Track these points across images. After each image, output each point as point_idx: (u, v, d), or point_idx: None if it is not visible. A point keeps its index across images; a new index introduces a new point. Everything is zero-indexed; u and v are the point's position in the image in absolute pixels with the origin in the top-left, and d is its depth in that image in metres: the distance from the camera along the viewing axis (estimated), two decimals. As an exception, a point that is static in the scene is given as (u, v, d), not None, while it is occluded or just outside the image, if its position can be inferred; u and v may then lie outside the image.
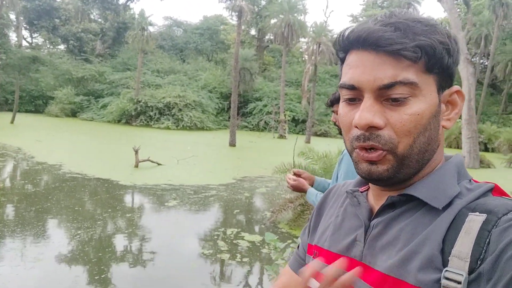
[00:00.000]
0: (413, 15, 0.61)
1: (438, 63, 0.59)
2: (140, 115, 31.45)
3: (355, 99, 0.63)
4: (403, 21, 0.59)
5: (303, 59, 46.57)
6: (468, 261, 0.52)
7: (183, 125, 30.76)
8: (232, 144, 20.83)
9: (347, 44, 0.63)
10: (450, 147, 26.71)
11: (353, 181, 0.79)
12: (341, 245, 0.70)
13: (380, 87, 0.59)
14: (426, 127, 0.60)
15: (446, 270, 0.54)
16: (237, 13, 23.86)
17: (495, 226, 0.53)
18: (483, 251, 0.52)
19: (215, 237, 6.03)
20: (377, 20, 0.61)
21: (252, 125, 35.16)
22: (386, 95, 0.59)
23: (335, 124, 2.16)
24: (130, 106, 30.92)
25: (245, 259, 5.19)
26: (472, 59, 18.88)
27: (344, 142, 0.68)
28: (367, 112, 0.59)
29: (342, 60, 0.66)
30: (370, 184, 0.71)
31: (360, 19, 50.79)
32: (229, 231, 6.29)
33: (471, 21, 34.04)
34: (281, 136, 29.90)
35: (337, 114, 2.12)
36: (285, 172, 6.99)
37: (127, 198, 8.39)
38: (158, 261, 4.98)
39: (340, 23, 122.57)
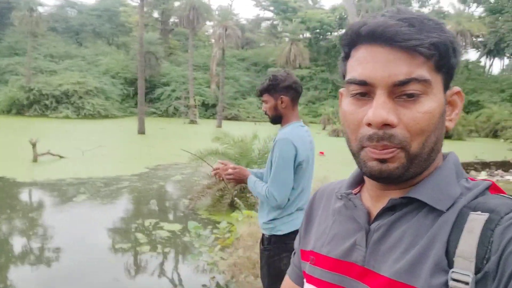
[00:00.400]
0: (420, 13, 0.60)
1: (447, 63, 0.59)
2: (33, 104, 28.57)
3: (365, 95, 0.60)
4: (416, 17, 0.57)
5: (210, 42, 46.22)
6: (474, 261, 0.52)
7: (85, 114, 28.71)
8: (141, 131, 20.04)
9: (357, 38, 0.61)
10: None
11: (343, 182, 0.76)
12: (340, 250, 0.68)
13: (395, 84, 0.57)
14: (436, 126, 0.59)
15: (453, 271, 0.53)
16: (138, -6, 22.65)
17: (498, 225, 0.52)
18: (488, 250, 0.52)
19: (133, 229, 5.81)
20: (389, 15, 0.59)
21: (161, 111, 34.17)
22: (398, 92, 0.57)
23: (265, 113, 2.19)
24: (21, 94, 27.91)
25: (166, 249, 5.10)
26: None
27: (348, 141, 0.65)
28: (381, 109, 0.57)
29: (347, 56, 0.64)
30: (368, 185, 0.69)
31: (264, 3, 51.70)
32: (147, 222, 6.10)
33: (365, 7, 36.72)
34: (192, 121, 29.56)
35: (266, 103, 2.15)
36: (203, 158, 6.94)
37: (28, 196, 7.63)
38: (69, 260, 4.64)
39: (244, 8, 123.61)
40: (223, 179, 2.20)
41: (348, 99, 0.63)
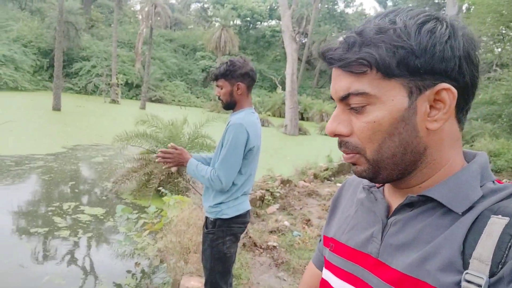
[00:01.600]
0: (367, 25, 0.60)
1: (398, 68, 0.58)
2: None
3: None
4: (356, 34, 0.60)
5: (136, 19, 44.00)
6: (489, 265, 0.52)
7: (-11, 84, 25.75)
8: (57, 108, 18.54)
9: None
10: (275, 115, 29.66)
11: None
12: (358, 240, 0.70)
13: (340, 99, 0.63)
14: (390, 132, 0.60)
15: (467, 273, 0.53)
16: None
17: None
18: (505, 255, 0.51)
19: (50, 213, 5.43)
20: (343, 35, 0.63)
21: (79, 87, 31.87)
22: (347, 105, 0.63)
23: (219, 98, 2.18)
24: None
25: (88, 234, 4.86)
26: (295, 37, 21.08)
27: None
28: (332, 121, 0.65)
29: None
30: None
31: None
32: (65, 206, 5.74)
33: (296, 1, 37.65)
34: (114, 101, 28.06)
35: (221, 88, 2.15)
36: (128, 140, 6.69)
37: None
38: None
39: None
40: (165, 163, 2.15)
41: None
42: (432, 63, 0.57)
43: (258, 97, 33.31)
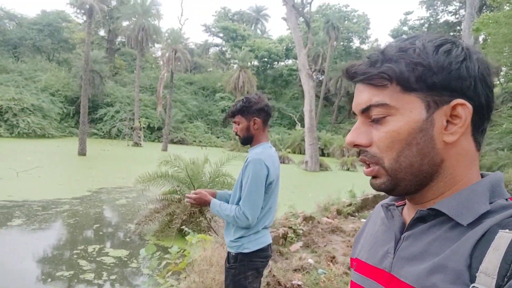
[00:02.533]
0: (392, 43, 0.67)
1: (416, 83, 0.62)
2: (-39, 120, 26.31)
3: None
4: (380, 50, 0.66)
5: (157, 64, 45.75)
6: (495, 278, 0.53)
7: (19, 132, 26.86)
8: (82, 153, 19.12)
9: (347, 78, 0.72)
10: (295, 152, 29.66)
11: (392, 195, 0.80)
12: (376, 257, 0.73)
13: (361, 111, 0.67)
14: (409, 141, 0.64)
15: (473, 286, 0.54)
16: (85, 12, 22.11)
17: None
18: (510, 268, 0.52)
19: (75, 256, 5.49)
20: (370, 53, 0.68)
21: (103, 132, 32.90)
22: (369, 117, 0.67)
23: (236, 134, 2.24)
24: None
25: (112, 277, 4.87)
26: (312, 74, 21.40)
27: None
28: (352, 132, 0.69)
29: None
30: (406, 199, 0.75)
31: (213, 29, 52.48)
32: (90, 248, 5.80)
33: (311, 40, 38.59)
34: (136, 144, 28.75)
35: (238, 124, 2.21)
36: (150, 181, 6.80)
37: (-47, 221, 6.96)
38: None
39: (194, 32, 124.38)
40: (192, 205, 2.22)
41: None
42: (448, 80, 0.62)
43: (277, 134, 33.52)
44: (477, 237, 0.58)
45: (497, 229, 0.57)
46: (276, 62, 48.39)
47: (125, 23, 37.55)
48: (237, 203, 2.14)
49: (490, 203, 0.62)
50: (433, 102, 0.63)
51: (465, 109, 0.62)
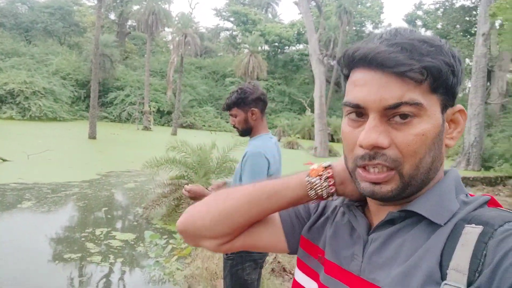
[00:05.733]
0: (418, 34, 0.61)
1: (443, 84, 0.60)
2: (-27, 103, 26.69)
3: (359, 117, 0.63)
4: (409, 41, 0.58)
5: (167, 48, 45.62)
6: (467, 274, 0.52)
7: (30, 115, 27.15)
8: (93, 136, 19.27)
9: (352, 62, 0.62)
10: (304, 138, 29.53)
11: None
12: (341, 257, 0.69)
13: (386, 107, 0.58)
14: (431, 147, 0.60)
15: (445, 284, 0.54)
16: (96, -5, 22.01)
17: (491, 238, 0.53)
18: (480, 264, 0.52)
19: (83, 239, 5.55)
20: (382, 39, 0.61)
21: (113, 116, 33.08)
22: (391, 114, 0.59)
23: (234, 127, 2.19)
24: (-41, 92, 25.98)
25: (119, 259, 4.91)
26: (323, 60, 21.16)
27: (345, 159, 0.67)
28: (372, 132, 0.59)
29: (346, 77, 0.66)
30: (368, 199, 0.70)
31: (224, 13, 51.97)
32: (98, 231, 5.85)
33: (323, 24, 38.01)
34: (146, 128, 28.88)
35: (235, 117, 2.16)
36: (158, 166, 6.81)
37: (-35, 202, 7.09)
38: (11, 271, 4.35)
39: (204, 16, 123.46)
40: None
41: (345, 119, 0.66)
42: (457, 85, 0.62)
43: (287, 119, 33.37)
44: (446, 234, 0.58)
45: (463, 224, 0.57)
46: (287, 47, 47.87)
47: (135, 7, 37.38)
48: None
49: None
50: (445, 105, 0.62)
51: (462, 115, 0.65)
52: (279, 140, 28.20)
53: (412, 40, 0.59)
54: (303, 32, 43.67)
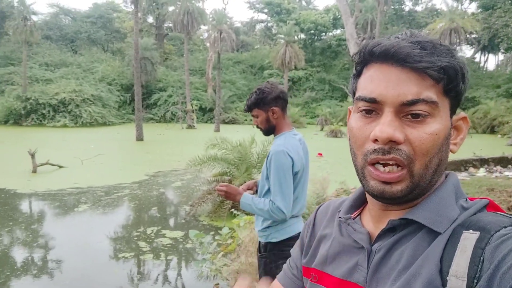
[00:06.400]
0: (432, 38, 0.62)
1: (455, 88, 0.61)
2: (31, 114, 28.59)
3: (372, 112, 0.62)
4: (428, 41, 0.60)
5: (205, 46, 46.26)
6: (465, 280, 0.53)
7: (82, 122, 28.72)
8: (140, 138, 20.05)
9: (370, 57, 0.63)
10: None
11: (344, 202, 0.78)
12: (343, 270, 0.69)
13: (403, 103, 0.59)
14: (440, 148, 0.61)
15: None
16: (132, 0, 22.71)
17: (488, 243, 0.53)
18: (479, 269, 0.52)
19: (135, 238, 5.83)
20: (402, 38, 0.61)
21: (158, 116, 34.20)
22: (406, 111, 0.59)
23: (257, 127, 2.21)
24: (17, 104, 27.93)
25: (169, 257, 5.12)
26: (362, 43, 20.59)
27: (354, 156, 0.66)
28: (388, 126, 0.59)
29: (359, 73, 0.66)
30: (370, 205, 0.70)
31: (257, 5, 51.78)
32: (149, 230, 6.12)
33: (358, 7, 36.90)
34: (190, 126, 29.59)
35: (257, 118, 2.17)
36: (201, 164, 6.97)
37: (29, 208, 7.65)
38: (72, 270, 4.67)
39: (238, 11, 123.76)
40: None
41: (355, 115, 0.65)
42: (464, 93, 0.63)
43: (328, 108, 32.88)
44: (445, 240, 0.58)
45: (461, 230, 0.57)
46: (324, 34, 46.95)
47: (171, 8, 38.17)
48: (265, 194, 2.13)
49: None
50: (452, 110, 0.63)
51: (465, 123, 0.66)
52: (321, 129, 27.90)
53: (431, 41, 0.60)
54: (339, 16, 42.63)
